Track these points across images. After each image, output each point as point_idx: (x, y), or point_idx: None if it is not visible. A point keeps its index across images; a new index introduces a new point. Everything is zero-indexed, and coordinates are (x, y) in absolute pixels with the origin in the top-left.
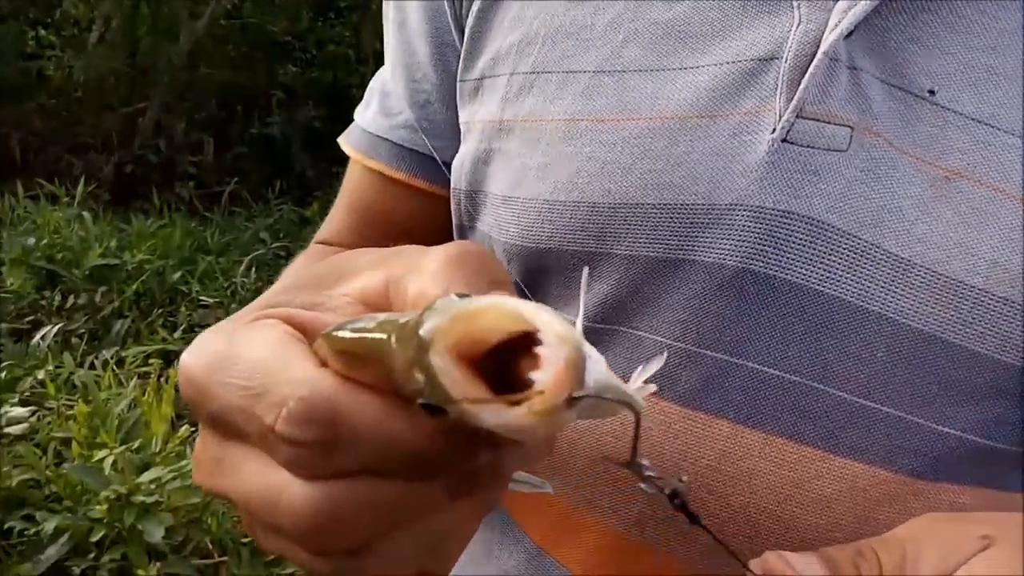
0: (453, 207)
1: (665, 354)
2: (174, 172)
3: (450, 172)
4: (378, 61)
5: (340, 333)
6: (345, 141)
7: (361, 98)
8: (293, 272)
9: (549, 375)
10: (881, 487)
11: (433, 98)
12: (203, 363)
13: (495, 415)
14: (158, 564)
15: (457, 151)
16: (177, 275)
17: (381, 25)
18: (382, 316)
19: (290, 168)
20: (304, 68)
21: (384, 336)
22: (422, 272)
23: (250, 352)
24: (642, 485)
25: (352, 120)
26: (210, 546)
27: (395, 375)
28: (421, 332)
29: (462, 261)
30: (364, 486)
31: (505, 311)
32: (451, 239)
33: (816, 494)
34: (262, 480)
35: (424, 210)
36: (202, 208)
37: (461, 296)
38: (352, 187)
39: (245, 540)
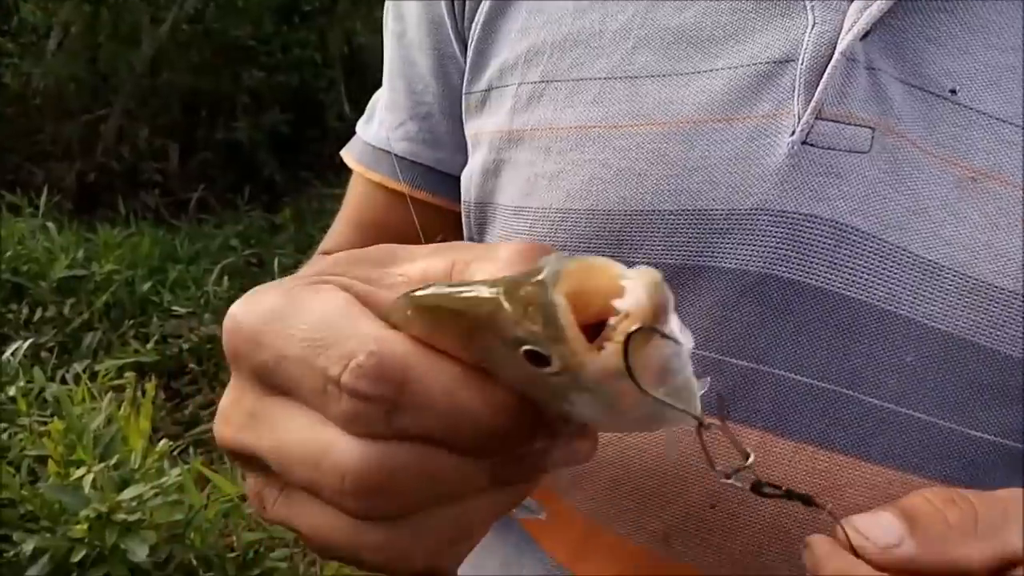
0: (464, 220)
1: (708, 378)
2: (139, 180)
3: (454, 184)
4: (345, 64)
5: (431, 291)
6: (348, 154)
7: (328, 102)
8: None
9: (631, 302)
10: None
11: (435, 110)
12: (258, 314)
13: (595, 363)
14: None
15: (460, 163)
16: (147, 285)
17: (348, 28)
18: (460, 282)
19: (258, 174)
20: (270, 72)
21: (491, 290)
22: (495, 260)
23: (315, 308)
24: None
25: (321, 124)
26: (195, 562)
27: (493, 331)
28: (544, 274)
29: (533, 253)
30: (418, 452)
31: (614, 270)
32: None
33: (849, 502)
34: (307, 435)
35: (428, 223)
36: (169, 216)
37: (560, 256)
38: (355, 201)
39: (231, 554)
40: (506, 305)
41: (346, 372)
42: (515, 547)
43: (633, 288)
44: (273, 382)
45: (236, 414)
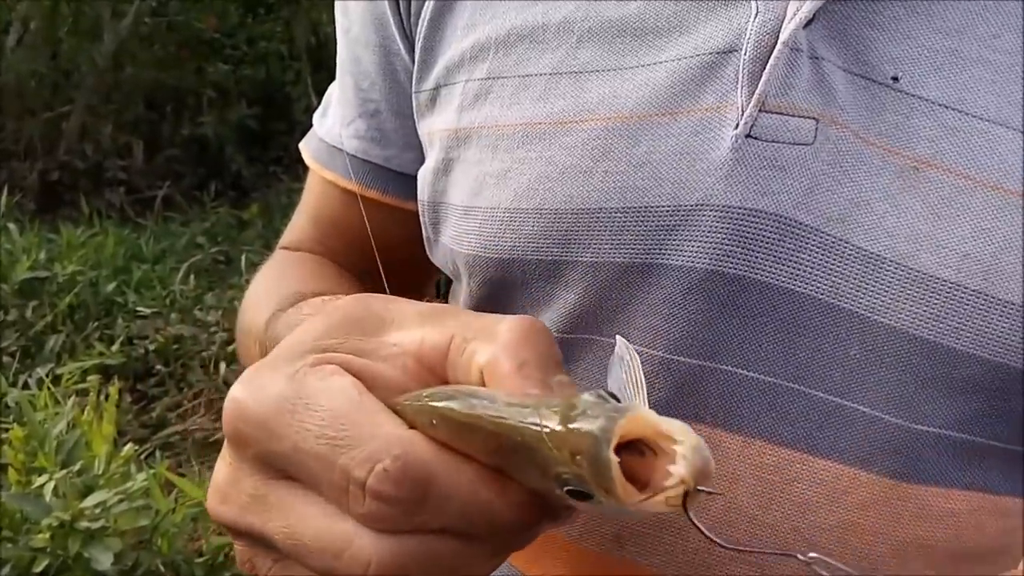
0: (421, 220)
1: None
2: (102, 178)
3: (405, 183)
4: (312, 57)
5: (463, 406)
6: (305, 149)
7: (295, 95)
8: (267, 281)
9: (685, 470)
10: (863, 490)
11: (382, 107)
12: (266, 402)
13: (635, 504)
14: None
15: (410, 160)
16: (112, 286)
17: (314, 20)
18: (484, 392)
19: (225, 169)
20: (235, 66)
21: (533, 424)
22: (496, 340)
23: (326, 400)
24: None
25: (289, 118)
26: (162, 568)
27: (532, 461)
28: (595, 427)
29: (535, 339)
30: (433, 542)
31: (652, 421)
32: (418, 252)
33: (798, 498)
34: (324, 524)
35: (384, 223)
36: (134, 214)
37: (604, 396)
38: (313, 197)
39: (200, 559)
40: (554, 450)
41: (371, 477)
42: None
43: (684, 455)
44: (284, 470)
45: (236, 494)
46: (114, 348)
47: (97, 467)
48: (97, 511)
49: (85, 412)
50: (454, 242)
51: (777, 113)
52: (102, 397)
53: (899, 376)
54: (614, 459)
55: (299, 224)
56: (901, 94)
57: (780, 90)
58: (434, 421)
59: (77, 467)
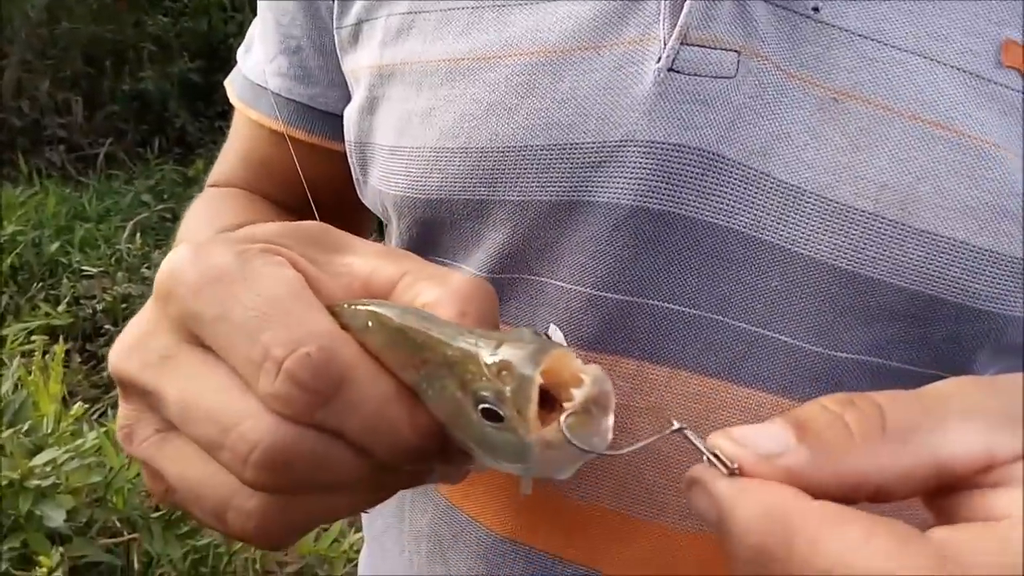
0: (350, 161)
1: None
2: (41, 136)
3: (331, 122)
4: (254, 8)
5: (406, 314)
6: (230, 87)
7: (239, 46)
8: (201, 215)
9: (586, 391)
10: None
11: (304, 44)
12: (208, 267)
13: (538, 434)
14: (61, 549)
15: (335, 99)
16: (55, 245)
17: None
18: (423, 312)
19: (169, 125)
20: (176, 18)
21: (470, 339)
22: (446, 287)
23: (267, 280)
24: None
25: (233, 70)
26: (118, 524)
27: (457, 376)
28: (529, 351)
29: (482, 297)
30: (325, 443)
31: (576, 362)
32: (350, 195)
33: (723, 425)
34: (224, 397)
35: (312, 163)
36: (76, 173)
37: (537, 333)
38: (240, 136)
39: (155, 515)
40: (485, 360)
41: (291, 358)
42: (409, 491)
43: (587, 382)
44: (201, 336)
45: (145, 350)
46: (60, 308)
47: (46, 426)
48: (47, 469)
49: (32, 373)
50: (382, 183)
51: (699, 46)
52: (48, 357)
53: (818, 306)
54: (537, 378)
55: (228, 163)
56: (821, 25)
57: (702, 22)
58: (369, 324)
59: (25, 427)
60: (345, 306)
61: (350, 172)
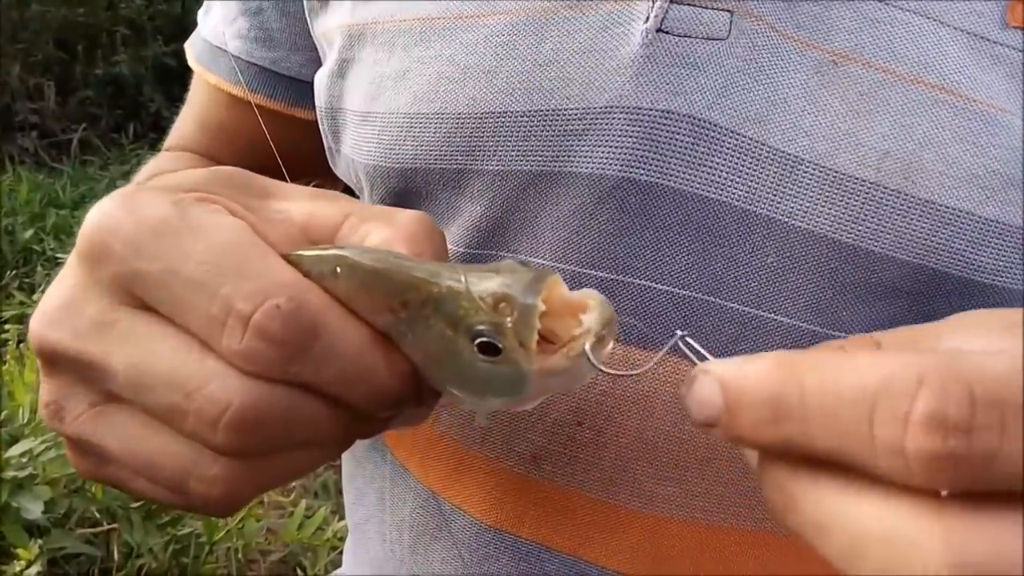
0: (321, 129)
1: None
2: (13, 122)
3: (294, 88)
4: None
5: (374, 256)
6: (189, 49)
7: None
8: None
9: (593, 319)
10: None
11: (266, 5)
12: (146, 221)
13: (544, 360)
14: (40, 541)
15: (298, 63)
16: (29, 233)
17: None
18: (392, 251)
19: (143, 110)
20: (149, 1)
21: (453, 275)
22: (394, 226)
23: (215, 232)
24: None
25: None
26: (97, 515)
27: (444, 314)
28: (529, 278)
29: (433, 234)
30: (300, 398)
31: (568, 292)
32: (313, 165)
33: None
34: (181, 360)
35: (271, 129)
36: (49, 159)
37: (519, 262)
38: (197, 101)
39: (135, 504)
40: (477, 299)
41: (260, 312)
42: (390, 480)
43: (593, 309)
44: (144, 296)
45: (74, 318)
46: (35, 297)
47: (21, 416)
48: (24, 460)
49: (6, 362)
50: (354, 151)
51: (689, 4)
52: (23, 346)
53: (817, 282)
54: (540, 306)
55: (184, 129)
56: None
57: None
58: (338, 269)
59: (0, 417)
60: (303, 253)
61: (315, 142)
